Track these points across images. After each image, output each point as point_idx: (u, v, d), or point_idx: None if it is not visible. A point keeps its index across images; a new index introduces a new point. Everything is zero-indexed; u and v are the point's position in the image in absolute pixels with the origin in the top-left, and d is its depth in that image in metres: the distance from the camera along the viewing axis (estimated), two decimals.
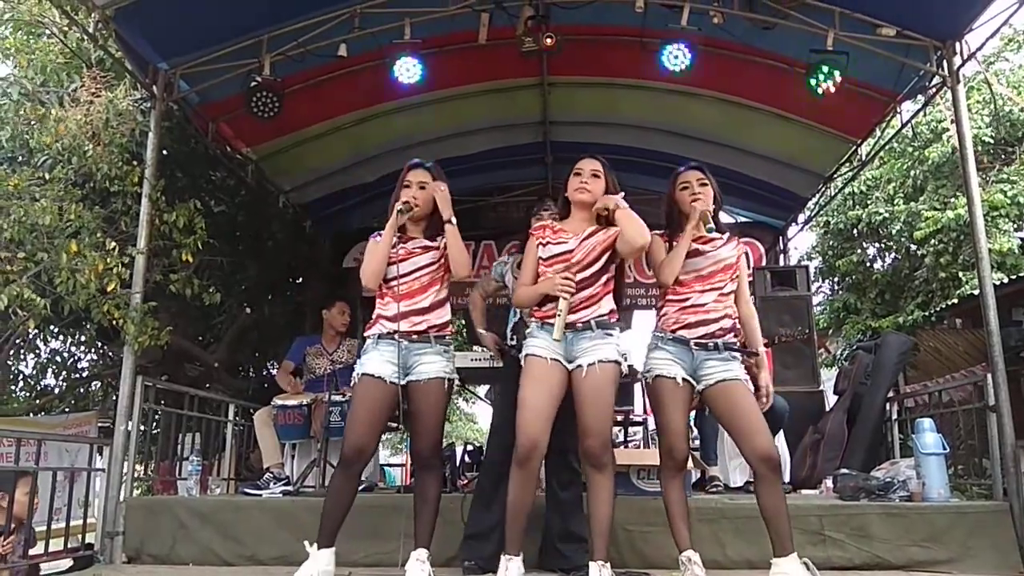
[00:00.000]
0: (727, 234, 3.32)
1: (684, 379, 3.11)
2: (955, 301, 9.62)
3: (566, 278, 3.03)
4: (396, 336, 3.14)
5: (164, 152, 5.43)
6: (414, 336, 3.16)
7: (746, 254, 3.45)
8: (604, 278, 3.13)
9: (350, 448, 3.14)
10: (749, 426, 3.02)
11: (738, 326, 3.25)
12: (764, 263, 8.33)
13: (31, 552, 4.13)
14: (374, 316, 3.26)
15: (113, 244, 4.59)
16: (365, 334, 3.27)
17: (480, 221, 8.53)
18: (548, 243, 3.19)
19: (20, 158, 5.49)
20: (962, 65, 4.91)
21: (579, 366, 3.02)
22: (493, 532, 3.57)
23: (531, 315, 3.20)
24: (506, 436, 3.67)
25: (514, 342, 3.81)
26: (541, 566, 3.51)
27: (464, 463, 5.38)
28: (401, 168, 7.49)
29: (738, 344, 3.19)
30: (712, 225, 3.21)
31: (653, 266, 3.33)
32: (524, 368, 3.07)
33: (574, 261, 3.10)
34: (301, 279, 8.57)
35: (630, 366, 6.18)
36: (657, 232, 3.31)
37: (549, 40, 4.93)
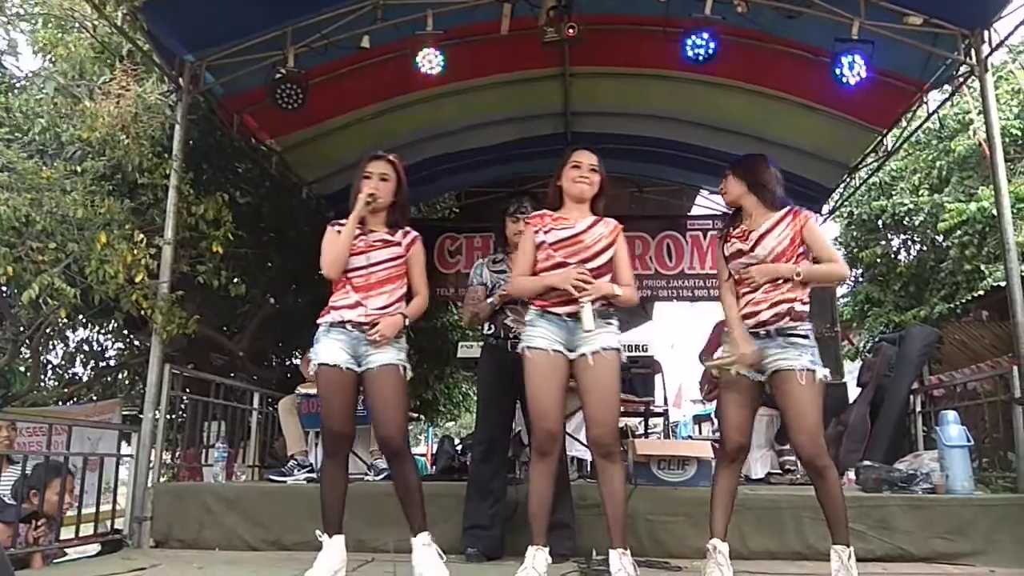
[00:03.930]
0: (770, 223, 3.13)
1: (739, 372, 3.06)
2: (980, 293, 9.50)
3: (582, 273, 3.01)
4: (349, 325, 3.17)
5: (190, 144, 5.50)
6: (366, 327, 3.17)
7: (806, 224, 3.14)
8: (607, 271, 3.14)
9: (331, 436, 3.20)
10: (793, 423, 2.98)
11: (798, 308, 3.03)
12: None
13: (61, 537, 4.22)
14: (328, 304, 3.27)
15: (141, 236, 4.67)
16: (318, 321, 3.27)
17: (501, 212, 8.54)
18: (551, 228, 3.17)
19: (51, 151, 5.59)
20: (990, 54, 4.84)
21: (583, 354, 3.01)
22: (493, 522, 3.66)
23: (530, 303, 3.16)
24: (489, 426, 3.76)
25: (491, 331, 3.82)
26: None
27: None
28: (423, 158, 7.53)
29: (799, 329, 3.02)
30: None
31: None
32: (529, 361, 3.05)
33: (586, 243, 3.11)
34: None
35: (651, 356, 6.17)
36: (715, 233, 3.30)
37: (571, 30, 4.93)
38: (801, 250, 3.11)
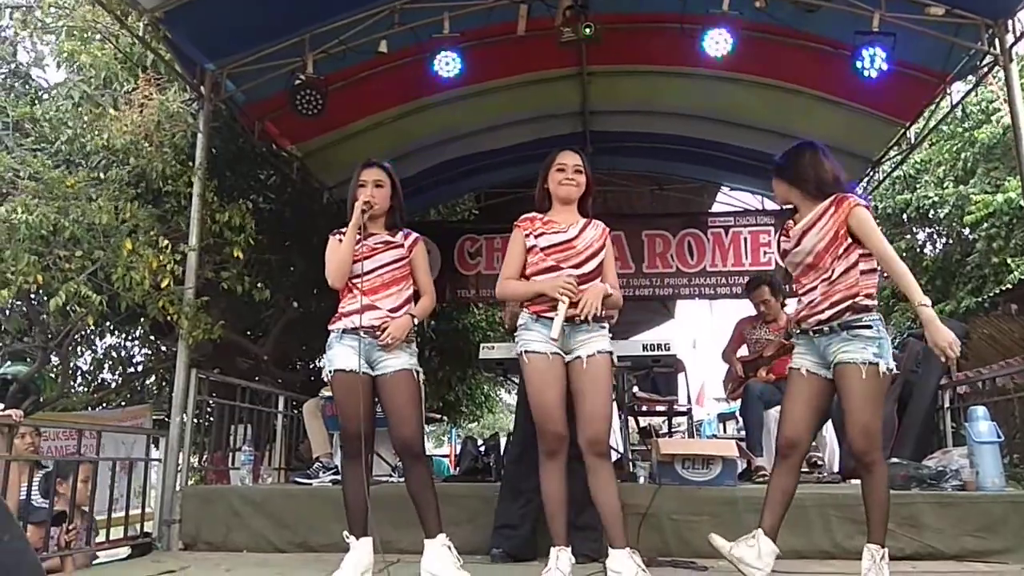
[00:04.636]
0: (811, 217, 3.01)
1: (809, 371, 3.02)
2: (1008, 287, 9.35)
3: (568, 282, 3.01)
4: (361, 332, 3.19)
5: (213, 151, 5.56)
6: (378, 332, 3.21)
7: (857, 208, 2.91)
8: (597, 275, 3.15)
9: (350, 438, 3.22)
10: (847, 416, 2.93)
11: (861, 303, 2.89)
12: None
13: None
14: (338, 311, 3.32)
15: (166, 242, 4.73)
16: (329, 328, 3.31)
17: (520, 212, 8.55)
18: (543, 233, 3.18)
19: (76, 160, 5.68)
20: (1015, 43, 4.78)
21: (578, 357, 3.04)
22: (523, 522, 3.66)
23: (523, 307, 3.17)
24: (527, 427, 3.74)
25: None
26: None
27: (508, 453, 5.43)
28: (442, 160, 7.54)
29: (863, 320, 2.89)
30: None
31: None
32: (527, 365, 3.08)
33: (578, 249, 3.13)
34: None
35: (673, 355, 6.15)
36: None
37: (588, 29, 4.92)
38: (848, 242, 2.93)
